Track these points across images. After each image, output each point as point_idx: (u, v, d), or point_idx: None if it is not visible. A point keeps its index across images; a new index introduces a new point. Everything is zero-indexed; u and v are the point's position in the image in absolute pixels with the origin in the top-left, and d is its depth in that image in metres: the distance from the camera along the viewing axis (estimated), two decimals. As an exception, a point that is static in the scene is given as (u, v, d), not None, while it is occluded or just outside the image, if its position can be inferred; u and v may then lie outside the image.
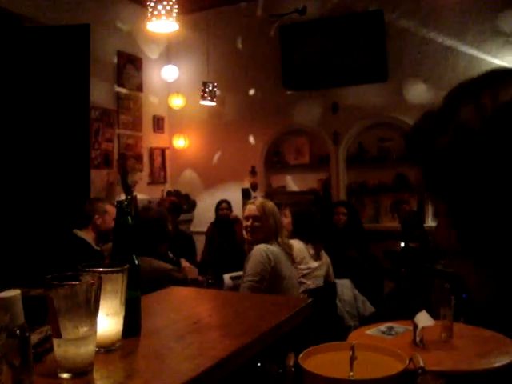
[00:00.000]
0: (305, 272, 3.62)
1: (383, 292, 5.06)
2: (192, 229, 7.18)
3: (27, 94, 5.12)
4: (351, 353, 1.20)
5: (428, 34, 5.83)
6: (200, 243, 6.78)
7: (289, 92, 6.60)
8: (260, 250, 3.09)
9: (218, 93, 6.52)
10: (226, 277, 4.27)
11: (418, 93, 5.85)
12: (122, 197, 6.32)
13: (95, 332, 1.07)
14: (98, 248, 3.89)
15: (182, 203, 6.33)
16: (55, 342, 1.02)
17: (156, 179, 7.23)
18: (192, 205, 7.27)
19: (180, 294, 1.86)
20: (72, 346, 1.02)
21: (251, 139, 6.90)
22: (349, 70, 6.18)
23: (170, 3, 3.41)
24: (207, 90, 6.30)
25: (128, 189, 6.32)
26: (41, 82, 5.13)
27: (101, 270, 1.18)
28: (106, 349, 1.18)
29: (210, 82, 6.33)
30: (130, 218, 1.34)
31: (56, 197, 4.97)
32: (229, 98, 6.93)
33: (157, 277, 2.73)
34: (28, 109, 5.12)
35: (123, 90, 6.63)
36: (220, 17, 6.92)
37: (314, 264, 3.73)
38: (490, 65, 5.57)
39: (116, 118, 6.50)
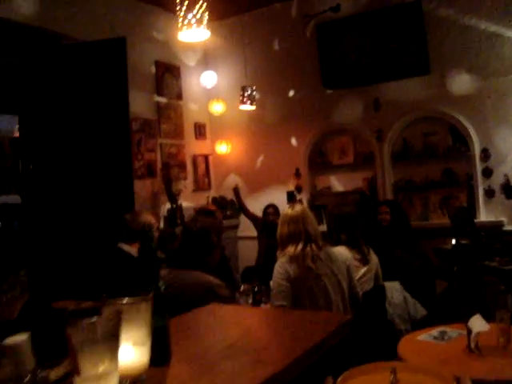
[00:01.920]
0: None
1: (435, 292, 4.90)
2: (239, 234, 7.17)
3: (69, 110, 5.21)
4: (392, 377, 1.12)
5: (469, 22, 5.62)
6: (246, 248, 6.76)
7: (329, 91, 6.49)
8: (276, 266, 3.13)
9: (257, 96, 6.46)
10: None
11: (462, 84, 5.65)
12: (167, 206, 6.35)
13: (116, 367, 1.02)
14: (144, 261, 3.89)
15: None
16: (75, 379, 0.98)
17: (200, 186, 7.23)
18: (238, 210, 7.24)
19: (218, 313, 1.81)
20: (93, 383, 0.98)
21: (293, 141, 6.82)
22: (389, 65, 6.02)
23: (201, 11, 3.37)
24: (246, 94, 6.25)
25: (173, 198, 6.32)
26: (81, 97, 5.21)
27: (124, 301, 1.14)
28: (132, 380, 1.14)
29: (249, 86, 6.29)
30: (154, 244, 1.30)
31: (101, 210, 5.02)
32: (268, 100, 6.87)
33: (202, 292, 2.68)
34: (70, 124, 5.20)
35: (163, 100, 6.66)
36: (255, 20, 6.87)
37: (362, 270, 3.62)
38: (537, 50, 5.35)
39: (157, 127, 6.53)
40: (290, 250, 3.12)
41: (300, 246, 3.10)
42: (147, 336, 1.16)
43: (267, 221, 6.22)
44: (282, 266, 3.10)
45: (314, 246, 3.12)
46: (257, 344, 1.42)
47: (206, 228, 3.08)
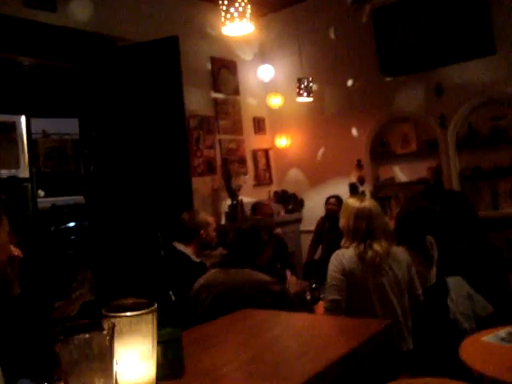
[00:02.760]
0: None
1: (508, 287, 4.63)
2: (301, 228, 7.07)
3: (127, 110, 5.29)
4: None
5: (537, -1, 5.29)
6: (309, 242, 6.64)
7: (388, 78, 6.27)
8: (332, 258, 3.00)
9: (314, 87, 6.33)
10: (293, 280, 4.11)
11: (532, 63, 5.33)
12: (228, 202, 6.34)
13: (112, 385, 0.97)
14: (198, 260, 3.87)
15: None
16: (67, 400, 0.93)
17: (261, 181, 7.18)
18: (300, 204, 7.16)
19: (251, 319, 1.73)
20: (84, 405, 0.92)
21: (354, 131, 6.65)
22: (451, 47, 5.75)
23: (243, 4, 3.29)
24: (303, 85, 6.13)
25: (233, 193, 6.31)
26: (138, 97, 5.27)
27: (128, 314, 1.08)
28: (138, 398, 1.08)
29: (305, 78, 6.16)
30: (162, 250, 1.23)
31: (160, 208, 5.05)
32: (326, 91, 6.72)
33: (253, 290, 2.64)
34: (128, 125, 5.28)
35: (220, 96, 6.64)
36: (308, 10, 6.72)
37: (429, 275, 3.44)
38: None
39: (216, 123, 6.52)
40: (351, 245, 2.99)
41: (361, 245, 2.95)
42: (153, 350, 1.10)
43: (329, 212, 6.07)
44: (337, 259, 2.96)
45: (376, 244, 2.95)
46: (280, 356, 1.33)
47: (256, 227, 3.02)
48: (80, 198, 7.25)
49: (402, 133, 6.33)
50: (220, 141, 6.57)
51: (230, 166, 6.53)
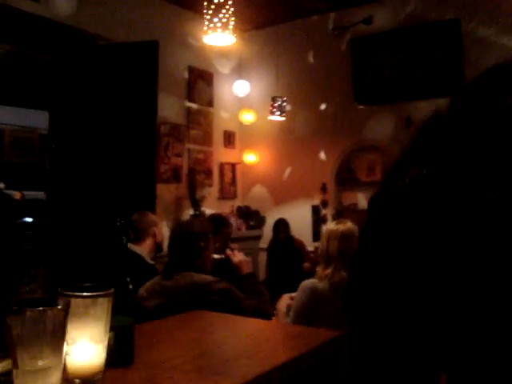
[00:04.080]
0: None
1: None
2: (261, 245, 7.10)
3: (99, 109, 5.26)
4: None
5: (509, 43, 5.47)
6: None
7: (360, 106, 6.39)
8: (306, 282, 2.97)
9: (288, 108, 6.42)
10: (286, 296, 4.12)
11: (498, 106, 5.50)
12: (190, 212, 6.33)
13: (60, 363, 0.96)
14: (152, 262, 3.86)
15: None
16: (14, 372, 0.93)
17: (226, 194, 7.19)
18: (262, 221, 7.19)
19: (201, 320, 1.74)
20: (29, 378, 0.92)
21: (322, 155, 6.73)
22: (423, 83, 5.91)
23: (227, 16, 3.34)
24: (276, 104, 6.21)
25: (196, 204, 6.31)
26: (112, 97, 5.25)
27: (84, 294, 1.09)
28: (84, 380, 1.07)
29: (280, 97, 6.24)
30: (124, 238, 1.24)
31: (124, 212, 5.01)
32: (299, 112, 6.80)
33: (198, 290, 2.61)
34: (99, 123, 5.25)
35: (194, 105, 6.66)
36: (290, 31, 6.83)
37: None
38: None
39: (186, 132, 6.52)
40: (336, 271, 2.87)
41: (347, 270, 2.89)
42: (105, 334, 1.10)
43: (279, 239, 6.25)
44: (304, 291, 2.90)
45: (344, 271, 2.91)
46: (229, 354, 1.34)
47: (189, 232, 2.98)
48: (41, 194, 7.13)
49: (368, 161, 6.45)
50: (189, 150, 6.57)
51: (196, 176, 6.52)
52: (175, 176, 6.33)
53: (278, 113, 6.18)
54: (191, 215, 6.30)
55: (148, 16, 5.88)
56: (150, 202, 5.24)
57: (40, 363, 0.92)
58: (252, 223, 7.07)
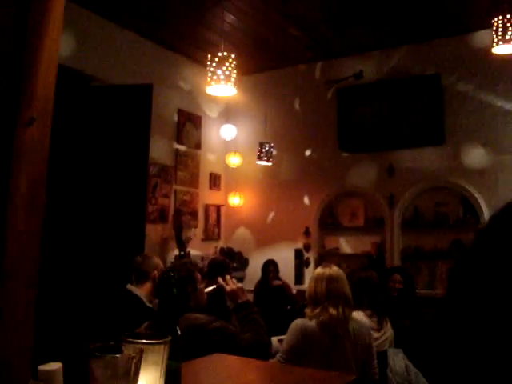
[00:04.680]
0: None
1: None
2: (244, 287, 7.14)
3: (91, 148, 5.33)
4: None
5: (486, 98, 5.77)
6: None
7: (344, 154, 6.62)
8: (297, 320, 3.05)
9: (274, 153, 6.60)
10: (274, 339, 4.21)
11: (476, 157, 5.76)
12: (175, 252, 6.39)
13: (133, 404, 1.07)
14: (150, 305, 3.91)
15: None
16: (93, 412, 1.03)
17: (210, 236, 7.29)
18: (244, 263, 7.28)
19: (223, 363, 1.84)
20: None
21: (306, 200, 6.91)
22: (405, 133, 6.17)
23: (230, 68, 3.52)
24: (264, 150, 6.39)
25: (182, 244, 6.38)
26: (104, 137, 5.34)
27: (144, 341, 1.19)
28: (144, 420, 1.17)
29: (267, 143, 6.43)
30: (175, 289, 1.35)
31: (112, 250, 5.07)
32: (285, 158, 7.00)
33: (194, 333, 2.64)
34: (91, 163, 5.32)
35: (182, 147, 6.80)
36: (278, 78, 7.09)
37: (374, 335, 3.58)
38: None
39: (174, 174, 6.65)
40: (314, 311, 3.04)
41: (335, 309, 2.99)
42: (161, 378, 1.21)
43: (269, 283, 6.25)
44: (296, 329, 3.01)
45: (347, 309, 3.05)
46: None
47: (181, 276, 3.01)
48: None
49: (351, 206, 6.63)
50: (176, 191, 6.69)
51: (183, 217, 6.61)
52: (162, 216, 6.42)
53: (266, 158, 6.35)
54: (176, 255, 6.38)
55: (141, 58, 6.07)
56: (139, 242, 5.31)
57: (118, 403, 1.02)
58: (235, 265, 7.14)
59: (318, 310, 3.02)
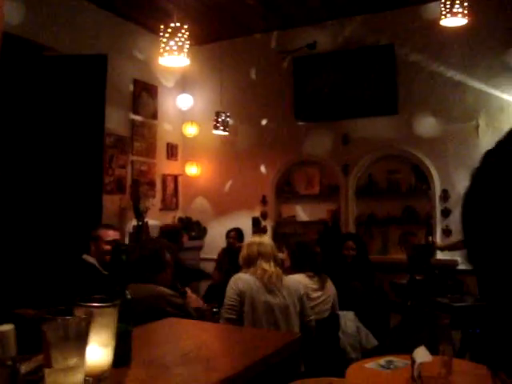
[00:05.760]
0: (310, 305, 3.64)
1: (389, 325, 5.07)
2: (202, 255, 7.25)
3: (46, 120, 5.28)
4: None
5: (437, 69, 5.92)
6: (209, 269, 6.84)
7: (300, 123, 6.70)
8: (230, 281, 3.36)
9: (230, 122, 6.64)
10: None
11: (428, 126, 5.92)
12: (133, 222, 6.42)
13: (84, 363, 1.14)
14: (106, 272, 3.96)
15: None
16: (46, 371, 1.10)
17: (168, 206, 7.32)
18: (203, 232, 7.36)
19: (177, 326, 1.93)
20: (61, 376, 1.09)
21: (262, 169, 6.99)
22: (360, 103, 6.28)
23: (183, 39, 3.53)
24: (220, 119, 6.42)
25: (140, 215, 6.40)
26: (59, 108, 5.29)
27: (94, 304, 1.26)
28: (96, 378, 1.25)
29: (223, 112, 6.46)
30: (124, 256, 1.42)
31: (69, 221, 5.08)
32: (241, 127, 7.05)
33: (156, 302, 2.79)
34: (45, 134, 5.27)
35: (138, 118, 6.77)
36: (234, 48, 7.09)
37: (314, 294, 3.74)
38: (498, 100, 5.64)
39: (130, 144, 6.63)
40: (248, 270, 3.39)
41: (268, 264, 3.37)
42: (112, 339, 1.28)
43: (229, 245, 6.38)
44: (233, 281, 3.33)
45: (266, 265, 3.37)
46: (209, 354, 1.54)
47: (160, 248, 3.18)
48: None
49: (307, 175, 6.75)
50: (132, 162, 6.68)
51: (140, 187, 6.63)
52: (119, 187, 6.43)
53: (222, 127, 6.39)
54: (134, 226, 6.41)
55: (95, 27, 5.98)
56: (96, 213, 5.33)
57: (70, 363, 1.09)
58: (193, 234, 7.22)
59: (252, 269, 3.37)
